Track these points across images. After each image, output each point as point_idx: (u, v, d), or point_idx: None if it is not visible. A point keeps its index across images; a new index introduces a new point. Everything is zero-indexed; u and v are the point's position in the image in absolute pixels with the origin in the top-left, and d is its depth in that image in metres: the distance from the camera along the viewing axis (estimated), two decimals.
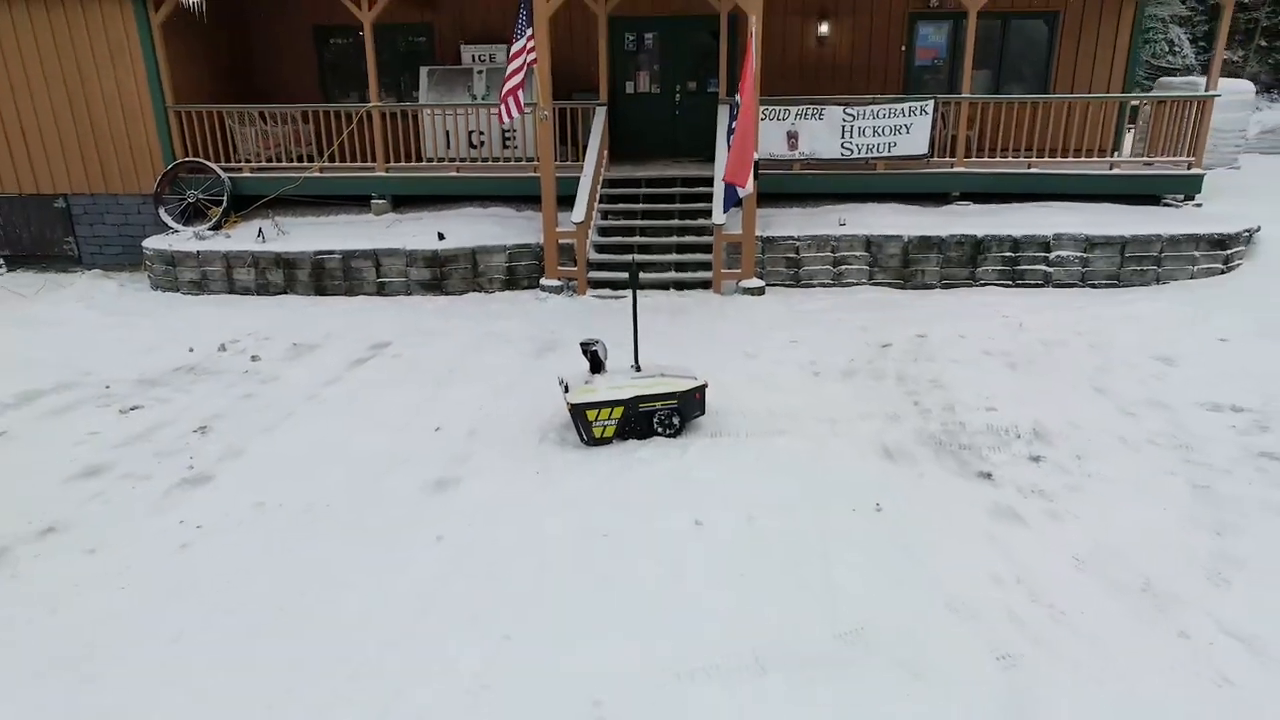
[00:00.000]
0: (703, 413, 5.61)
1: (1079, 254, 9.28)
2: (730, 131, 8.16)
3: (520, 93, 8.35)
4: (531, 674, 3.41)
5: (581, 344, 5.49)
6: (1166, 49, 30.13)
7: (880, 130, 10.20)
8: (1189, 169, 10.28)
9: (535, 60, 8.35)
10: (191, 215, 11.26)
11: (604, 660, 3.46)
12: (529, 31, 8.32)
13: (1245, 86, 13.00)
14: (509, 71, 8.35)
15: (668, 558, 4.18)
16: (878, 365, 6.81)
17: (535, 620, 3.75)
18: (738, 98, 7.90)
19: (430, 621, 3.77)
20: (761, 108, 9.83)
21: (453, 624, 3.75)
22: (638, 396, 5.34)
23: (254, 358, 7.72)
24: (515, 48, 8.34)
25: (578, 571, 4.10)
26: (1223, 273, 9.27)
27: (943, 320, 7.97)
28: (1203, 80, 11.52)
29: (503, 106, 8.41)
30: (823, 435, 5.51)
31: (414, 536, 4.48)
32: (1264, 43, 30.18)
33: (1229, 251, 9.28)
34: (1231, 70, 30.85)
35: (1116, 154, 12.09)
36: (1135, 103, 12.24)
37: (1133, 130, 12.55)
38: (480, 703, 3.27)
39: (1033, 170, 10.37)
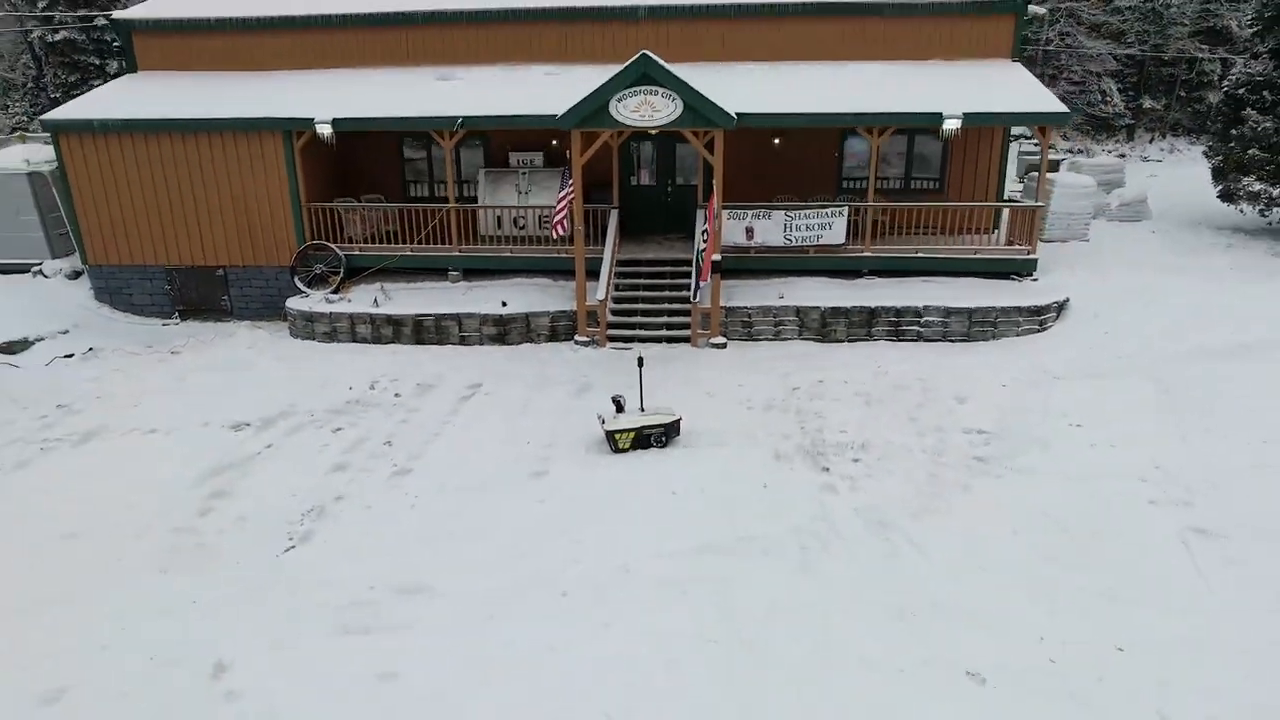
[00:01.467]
0: (679, 434, 9.95)
1: (941, 319, 13.64)
2: (704, 234, 12.45)
3: (565, 219, 12.67)
4: (595, 557, 7.75)
5: (613, 397, 9.84)
6: (1100, 98, 34.45)
7: (811, 226, 14.54)
8: (1027, 255, 14.62)
9: (573, 196, 12.70)
10: (315, 281, 15.57)
11: (630, 549, 7.80)
12: (570, 181, 12.67)
13: (1087, 181, 17.28)
14: (559, 204, 12.67)
15: (658, 507, 8.52)
16: (787, 402, 11.16)
17: (595, 535, 8.10)
18: (704, 226, 12.27)
19: (545, 535, 8.12)
20: (726, 210, 14.19)
21: (554, 535, 8.10)
22: (643, 426, 9.68)
23: (396, 394, 12.07)
24: (562, 191, 12.68)
25: (615, 513, 8.44)
26: (1039, 332, 13.64)
27: (838, 369, 12.32)
28: (1097, 154, 15.93)
29: (556, 228, 12.77)
30: (745, 446, 9.86)
31: (529, 497, 8.84)
32: (1183, 93, 34.53)
33: (1043, 317, 13.65)
34: (1157, 116, 35.26)
35: (996, 231, 16.40)
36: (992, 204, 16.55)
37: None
38: (572, 570, 7.59)
39: (919, 254, 14.72)
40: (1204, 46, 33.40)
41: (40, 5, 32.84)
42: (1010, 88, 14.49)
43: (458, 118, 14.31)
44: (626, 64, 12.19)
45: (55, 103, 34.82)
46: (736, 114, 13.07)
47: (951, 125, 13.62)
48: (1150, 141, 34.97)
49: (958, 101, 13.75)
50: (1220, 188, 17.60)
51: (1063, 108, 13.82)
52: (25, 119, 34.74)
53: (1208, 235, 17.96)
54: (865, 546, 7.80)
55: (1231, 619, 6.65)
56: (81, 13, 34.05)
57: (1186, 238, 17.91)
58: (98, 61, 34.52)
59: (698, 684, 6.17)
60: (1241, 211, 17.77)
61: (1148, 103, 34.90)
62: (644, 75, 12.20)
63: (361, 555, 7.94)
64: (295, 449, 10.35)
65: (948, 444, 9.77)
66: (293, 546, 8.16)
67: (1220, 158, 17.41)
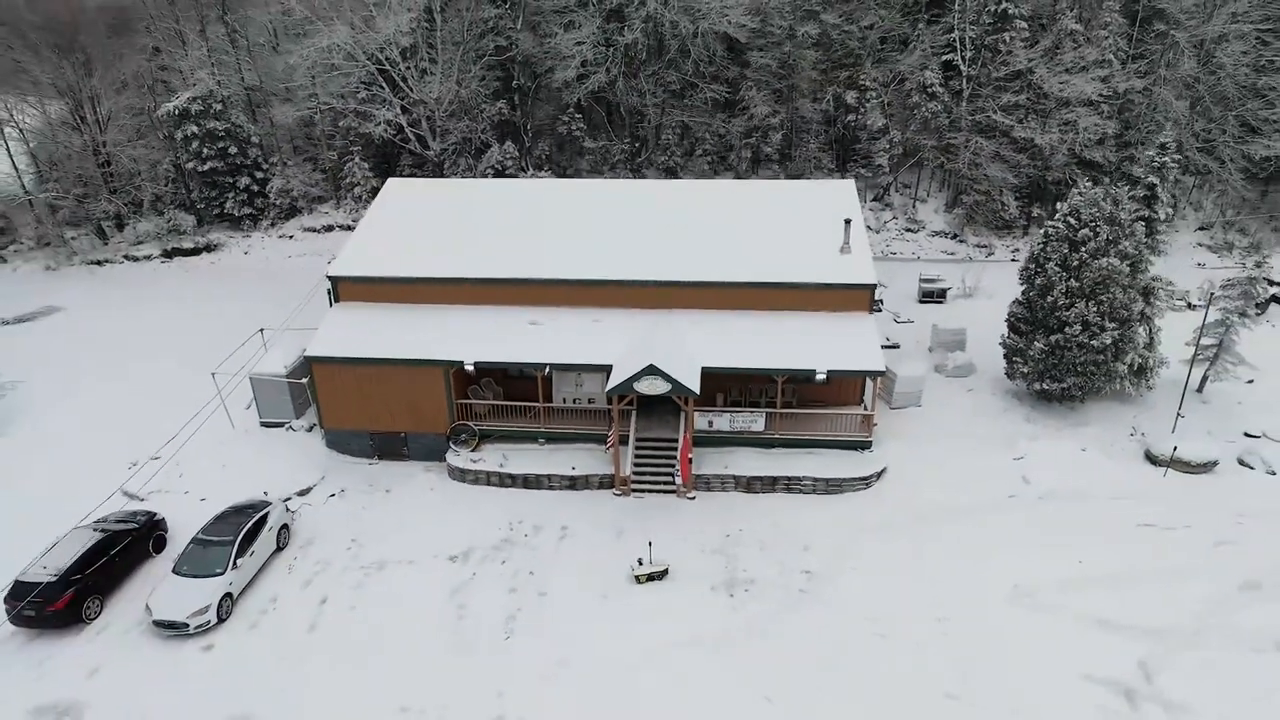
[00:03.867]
0: (669, 574, 21.43)
1: (812, 482, 24.95)
2: (681, 439, 23.73)
3: (611, 440, 23.86)
4: (634, 642, 19.27)
5: (638, 559, 21.29)
6: (1000, 206, 44.75)
7: (745, 420, 25.76)
8: (866, 438, 25.84)
9: (615, 436, 23.91)
10: (460, 444, 26.79)
11: (649, 640, 19.31)
12: (613, 426, 23.86)
13: (920, 372, 28.25)
14: (610, 440, 23.81)
15: (660, 619, 20.02)
16: (722, 547, 22.57)
17: (634, 632, 19.65)
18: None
19: (611, 633, 19.63)
20: (696, 411, 25.34)
21: (615, 634, 19.63)
22: (650, 572, 21.15)
23: (525, 534, 23.52)
24: (610, 432, 23.84)
25: (641, 622, 19.95)
26: (866, 490, 24.95)
27: (752, 519, 23.69)
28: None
29: (608, 448, 23.99)
30: (698, 581, 21.29)
31: (603, 609, 20.38)
32: (1063, 202, 44.74)
33: (868, 480, 24.96)
34: (1044, 219, 45.47)
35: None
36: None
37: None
38: (625, 650, 19.14)
39: (806, 437, 25.93)
40: (1078, 170, 43.52)
41: (192, 147, 43.18)
42: (856, 346, 25.31)
43: (545, 364, 25.37)
44: (643, 367, 23.14)
45: (200, 213, 45.40)
46: (701, 368, 24.19)
47: (820, 378, 24.65)
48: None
49: (824, 361, 24.71)
50: (1005, 368, 28.59)
51: (881, 365, 24.81)
52: (176, 224, 45.16)
53: (999, 398, 29.09)
54: (744, 640, 19.33)
55: (890, 676, 18.25)
56: (222, 146, 44.18)
57: (985, 399, 29.07)
58: (231, 179, 45.09)
59: (679, 683, 17.79)
60: (1015, 384, 28.81)
61: (1036, 211, 45.32)
62: (651, 371, 23.19)
63: (537, 641, 19.49)
64: (487, 575, 21.83)
65: (792, 580, 21.24)
66: (508, 637, 19.73)
67: (1005, 351, 28.36)
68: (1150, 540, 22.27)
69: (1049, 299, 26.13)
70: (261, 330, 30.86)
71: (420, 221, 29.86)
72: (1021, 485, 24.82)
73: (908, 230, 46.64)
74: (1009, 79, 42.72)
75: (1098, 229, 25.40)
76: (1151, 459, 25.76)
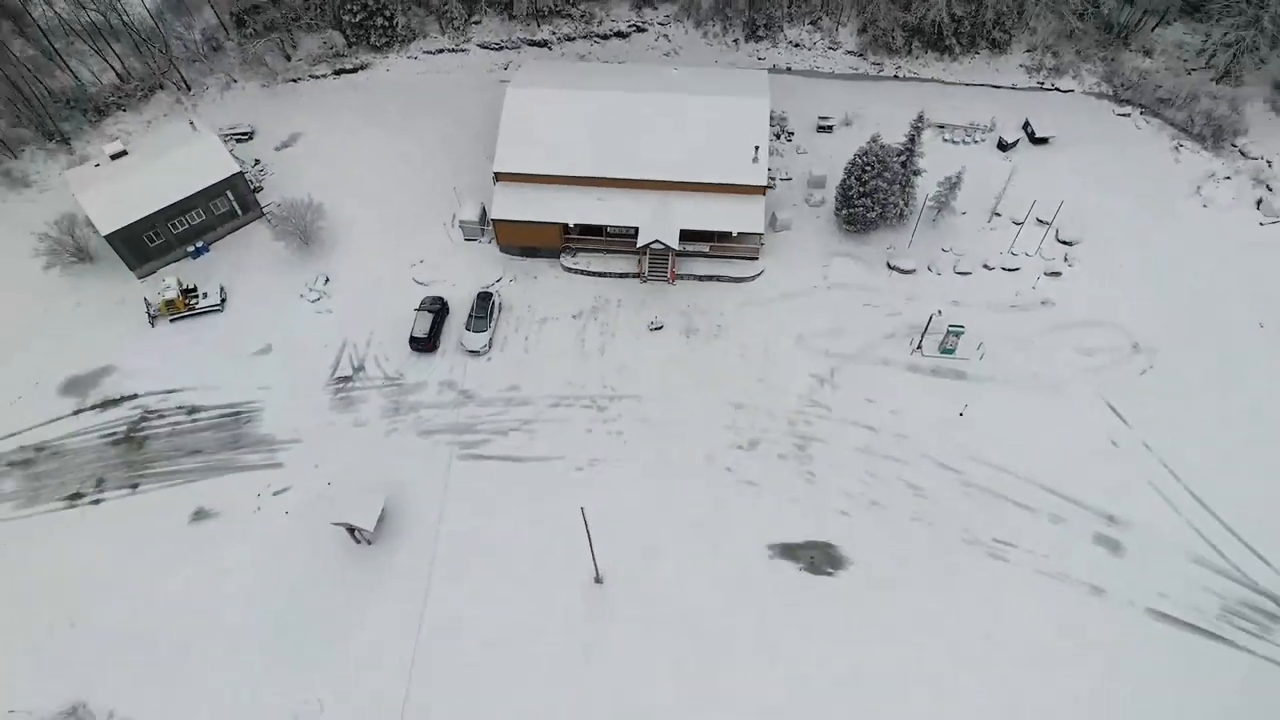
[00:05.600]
0: (663, 327, 53.11)
1: (729, 278, 55.25)
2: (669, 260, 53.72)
3: (639, 264, 53.56)
4: (653, 358, 51.85)
5: (650, 319, 52.74)
6: (892, 39, 66.50)
7: (699, 246, 55.27)
8: (756, 253, 55.38)
9: (642, 258, 53.51)
10: (566, 254, 56.33)
11: (659, 353, 51.88)
12: (640, 252, 53.27)
13: (790, 214, 56.39)
14: (638, 260, 53.40)
15: (666, 347, 52.34)
16: (686, 312, 53.85)
17: (649, 349, 52.12)
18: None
19: (642, 350, 52.12)
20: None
21: (641, 351, 52.13)
22: (656, 326, 52.85)
23: (603, 304, 54.69)
24: (638, 259, 53.36)
25: (652, 344, 52.31)
26: (753, 281, 55.31)
27: (699, 298, 54.55)
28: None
29: (639, 272, 53.90)
30: (675, 328, 53.12)
31: (637, 343, 52.66)
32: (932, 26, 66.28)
33: (754, 276, 55.23)
34: (924, 44, 67.17)
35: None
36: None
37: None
38: (652, 354, 51.80)
39: (728, 255, 55.46)
40: (945, 15, 64.19)
41: (348, 6, 64.21)
42: (752, 216, 53.36)
43: (605, 226, 53.97)
44: (653, 238, 51.81)
45: (349, 39, 67.50)
46: (680, 229, 53.18)
47: (735, 233, 53.39)
48: (926, 52, 67.97)
49: (737, 224, 53.24)
50: (835, 212, 56.70)
51: (762, 229, 53.38)
52: (333, 46, 67.59)
53: (831, 225, 57.65)
54: (688, 355, 51.83)
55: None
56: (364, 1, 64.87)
57: (823, 226, 57.76)
58: (371, 20, 66.84)
59: (663, 371, 50.93)
60: (839, 219, 57.02)
61: (917, 43, 66.82)
62: (656, 240, 51.96)
63: (612, 356, 51.78)
64: (589, 325, 53.12)
65: (712, 330, 52.74)
66: (602, 354, 52.07)
67: (835, 208, 56.21)
68: (863, 313, 53.53)
69: (850, 193, 53.57)
70: (455, 188, 58.08)
71: (535, 130, 55.03)
72: (822, 281, 55.16)
73: (830, 49, 68.69)
74: None
75: (873, 164, 51.83)
76: (890, 267, 55.68)
